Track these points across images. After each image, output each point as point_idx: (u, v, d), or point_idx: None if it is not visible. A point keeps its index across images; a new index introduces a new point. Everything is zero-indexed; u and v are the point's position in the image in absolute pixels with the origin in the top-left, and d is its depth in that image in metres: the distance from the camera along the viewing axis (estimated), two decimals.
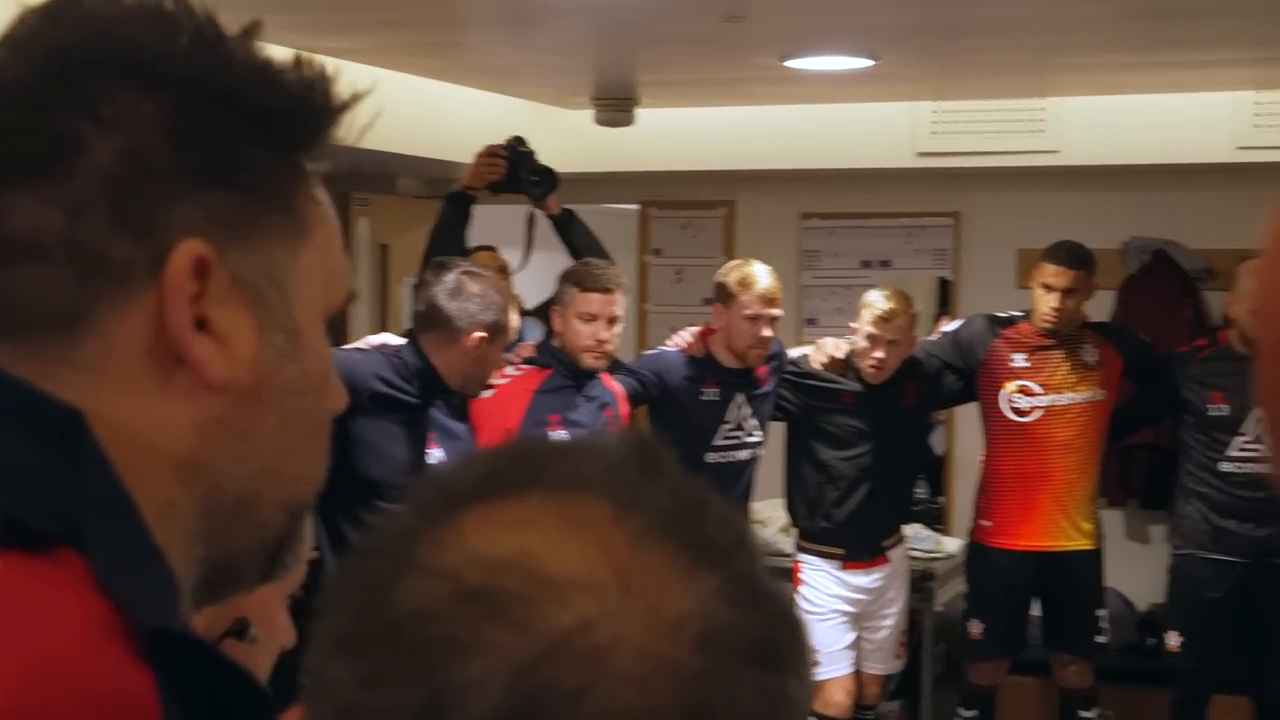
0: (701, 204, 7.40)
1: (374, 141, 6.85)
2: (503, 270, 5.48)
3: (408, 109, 6.22)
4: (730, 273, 5.10)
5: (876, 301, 5.16)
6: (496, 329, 4.03)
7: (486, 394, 4.49)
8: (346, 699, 0.61)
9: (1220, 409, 5.26)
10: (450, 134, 6.50)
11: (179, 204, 0.81)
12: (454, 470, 0.67)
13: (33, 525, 0.74)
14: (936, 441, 7.07)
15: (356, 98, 0.89)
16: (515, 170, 4.96)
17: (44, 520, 0.74)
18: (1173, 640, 5.44)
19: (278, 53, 0.88)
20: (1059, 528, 5.36)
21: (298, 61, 0.87)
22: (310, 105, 0.87)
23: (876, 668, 5.51)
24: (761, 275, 5.03)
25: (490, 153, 4.97)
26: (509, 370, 4.65)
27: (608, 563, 0.61)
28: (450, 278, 4.06)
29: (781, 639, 0.64)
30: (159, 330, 0.81)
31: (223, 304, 0.83)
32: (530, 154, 5.04)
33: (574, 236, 5.09)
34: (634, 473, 0.65)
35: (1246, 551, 5.24)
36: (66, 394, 0.79)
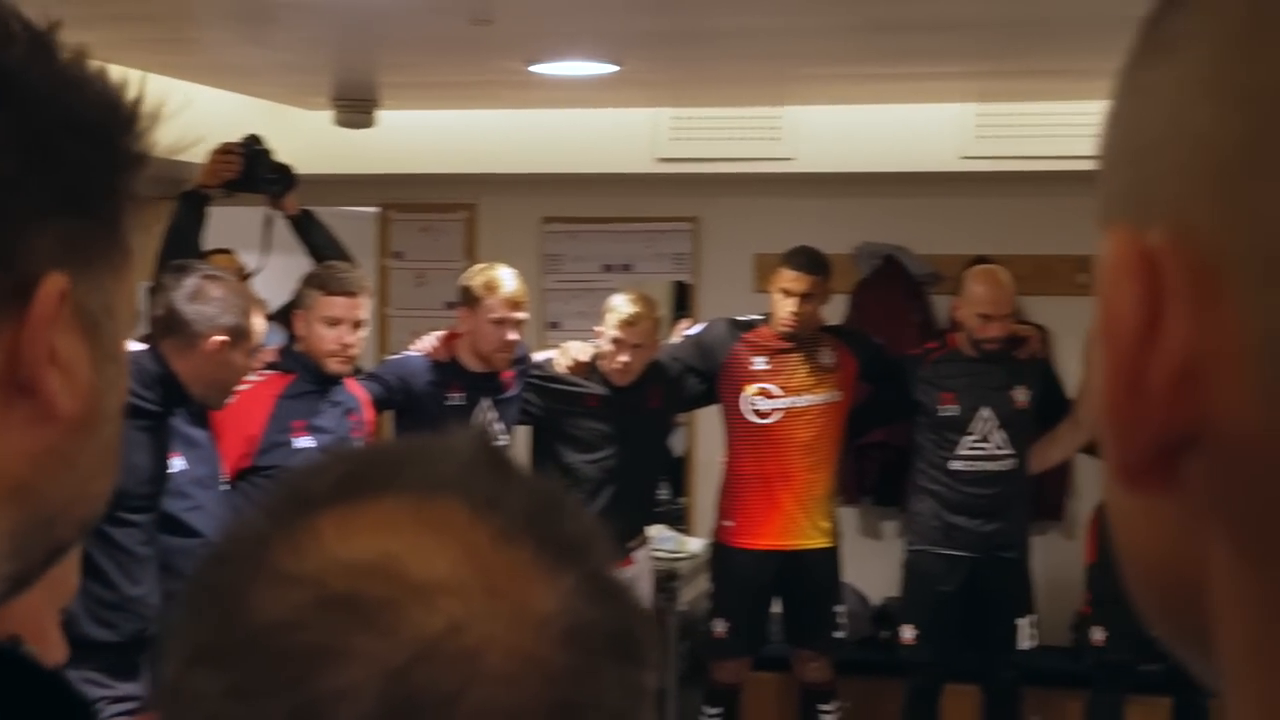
0: (443, 207, 7.35)
1: None
2: (241, 275, 5.35)
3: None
4: (475, 276, 5.08)
5: (621, 305, 5.21)
6: (238, 333, 3.93)
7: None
8: (212, 711, 0.60)
9: (950, 409, 5.46)
10: (186, 134, 6.31)
11: (37, 231, 0.78)
12: (305, 474, 0.66)
13: None
14: (677, 443, 7.16)
15: (163, 116, 0.86)
16: (251, 168, 4.84)
17: None
18: (907, 633, 5.63)
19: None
20: (799, 527, 5.50)
21: (103, 70, 0.83)
22: (137, 124, 0.84)
23: None
24: (507, 279, 5.03)
25: (225, 150, 4.84)
26: (251, 376, 4.54)
27: (471, 564, 0.61)
28: (189, 281, 3.95)
29: (638, 633, 0.65)
30: (11, 361, 0.78)
31: (66, 335, 0.80)
32: (267, 152, 4.93)
33: (314, 238, 5.00)
34: (487, 473, 0.66)
35: (976, 546, 5.45)
36: None
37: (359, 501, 0.63)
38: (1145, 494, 0.47)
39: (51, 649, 1.65)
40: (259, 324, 4.05)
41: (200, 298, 3.92)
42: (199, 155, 6.45)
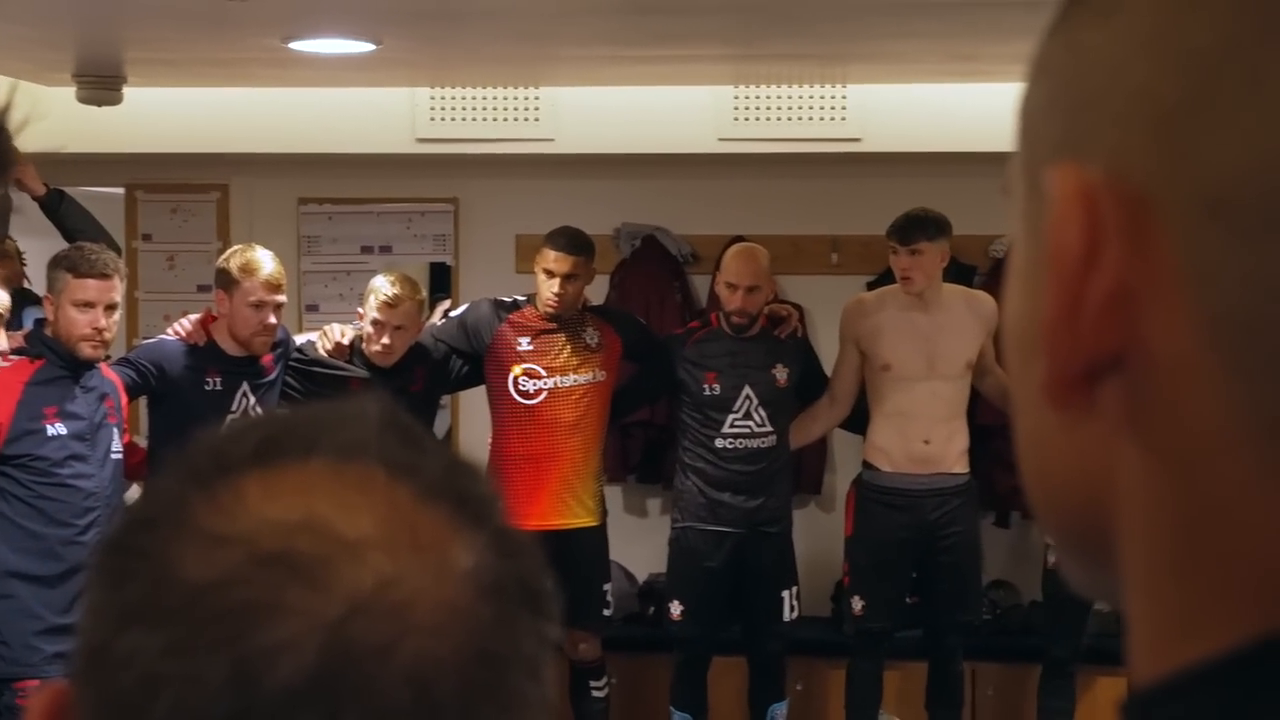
0: (193, 187, 7.15)
1: None
2: (4, 254, 5.14)
3: None
4: (232, 258, 4.97)
5: (383, 287, 5.15)
6: None
7: None
8: (148, 669, 0.60)
9: (713, 388, 5.54)
10: None
11: None
12: (222, 439, 0.67)
13: None
14: (440, 425, 7.11)
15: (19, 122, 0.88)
16: None
17: None
18: (675, 609, 5.70)
19: None
20: (566, 506, 5.51)
21: None
22: (7, 138, 0.86)
23: None
24: (265, 261, 4.93)
25: None
26: None
27: (395, 522, 0.63)
28: None
29: (543, 587, 0.68)
30: None
31: None
32: None
33: (67, 220, 4.81)
34: (399, 439, 0.68)
35: (740, 522, 5.54)
36: None
37: (280, 464, 0.65)
38: (1066, 411, 0.51)
39: None
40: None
41: None
42: None
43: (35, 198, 4.78)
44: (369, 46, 5.41)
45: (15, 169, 4.44)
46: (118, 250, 4.83)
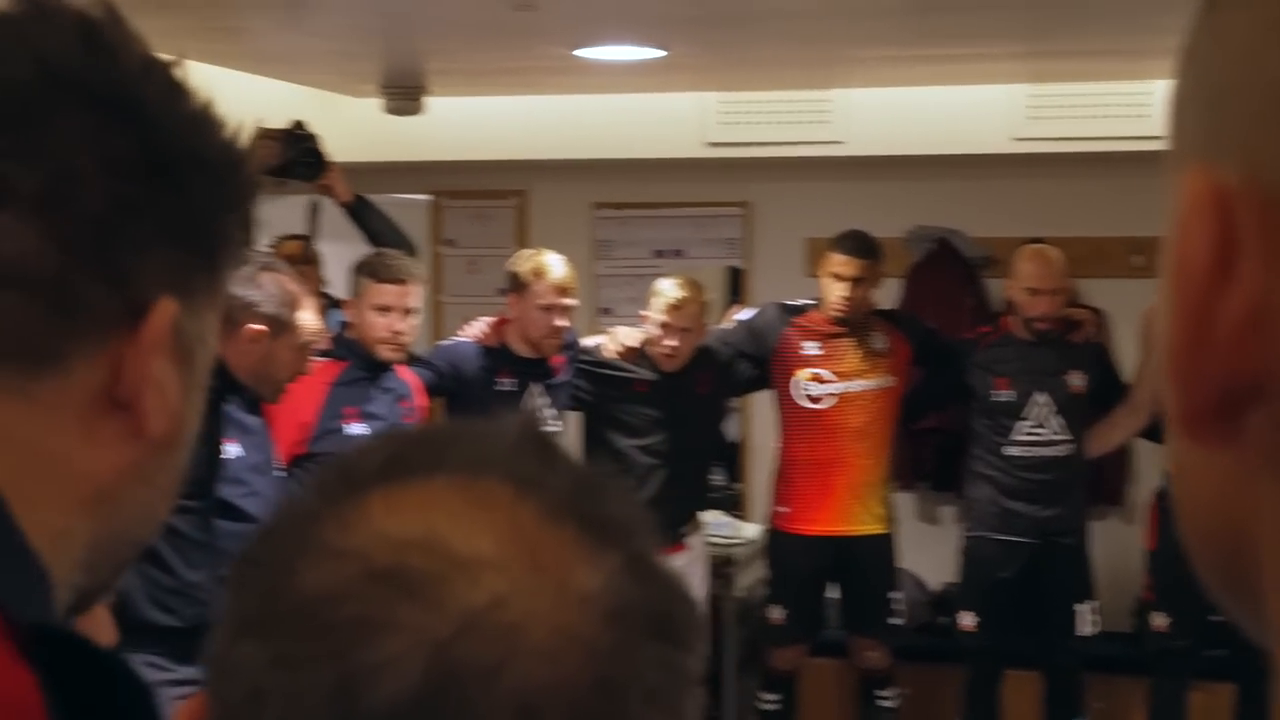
0: (494, 194, 7.35)
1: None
2: (309, 259, 5.36)
3: None
4: (524, 262, 5.07)
5: (668, 290, 5.19)
6: (276, 323, 3.88)
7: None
8: (256, 681, 0.60)
9: (1004, 395, 5.40)
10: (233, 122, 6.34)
11: (152, 257, 0.83)
12: (356, 454, 0.67)
13: None
14: (731, 428, 7.14)
15: (263, 158, 0.92)
16: (286, 154, 4.81)
17: None
18: (966, 620, 5.57)
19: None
20: (853, 513, 5.45)
21: (222, 117, 0.89)
22: (247, 167, 0.89)
23: None
24: (555, 265, 5.02)
25: (263, 135, 4.80)
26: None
27: (515, 541, 0.62)
28: (246, 270, 3.95)
29: (680, 615, 0.66)
30: (113, 377, 0.82)
31: (166, 359, 0.84)
32: (306, 137, 4.88)
33: (370, 224, 4.98)
34: (532, 456, 0.66)
35: (1033, 532, 5.39)
36: (3, 419, 0.80)
37: (406, 481, 0.64)
38: (1206, 445, 0.47)
39: (100, 630, 1.66)
40: (308, 319, 3.99)
41: (249, 284, 3.90)
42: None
43: (340, 203, 4.96)
44: (657, 53, 5.45)
45: (326, 176, 4.61)
46: (413, 253, 4.97)
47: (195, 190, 0.85)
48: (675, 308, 5.16)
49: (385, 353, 4.65)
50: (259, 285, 3.89)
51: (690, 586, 0.69)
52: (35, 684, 0.71)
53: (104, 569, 0.88)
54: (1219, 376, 0.45)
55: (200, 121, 0.86)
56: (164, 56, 0.87)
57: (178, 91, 0.86)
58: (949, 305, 6.54)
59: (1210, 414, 0.45)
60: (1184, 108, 0.48)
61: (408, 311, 4.67)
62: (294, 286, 3.97)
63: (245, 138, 0.89)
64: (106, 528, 0.86)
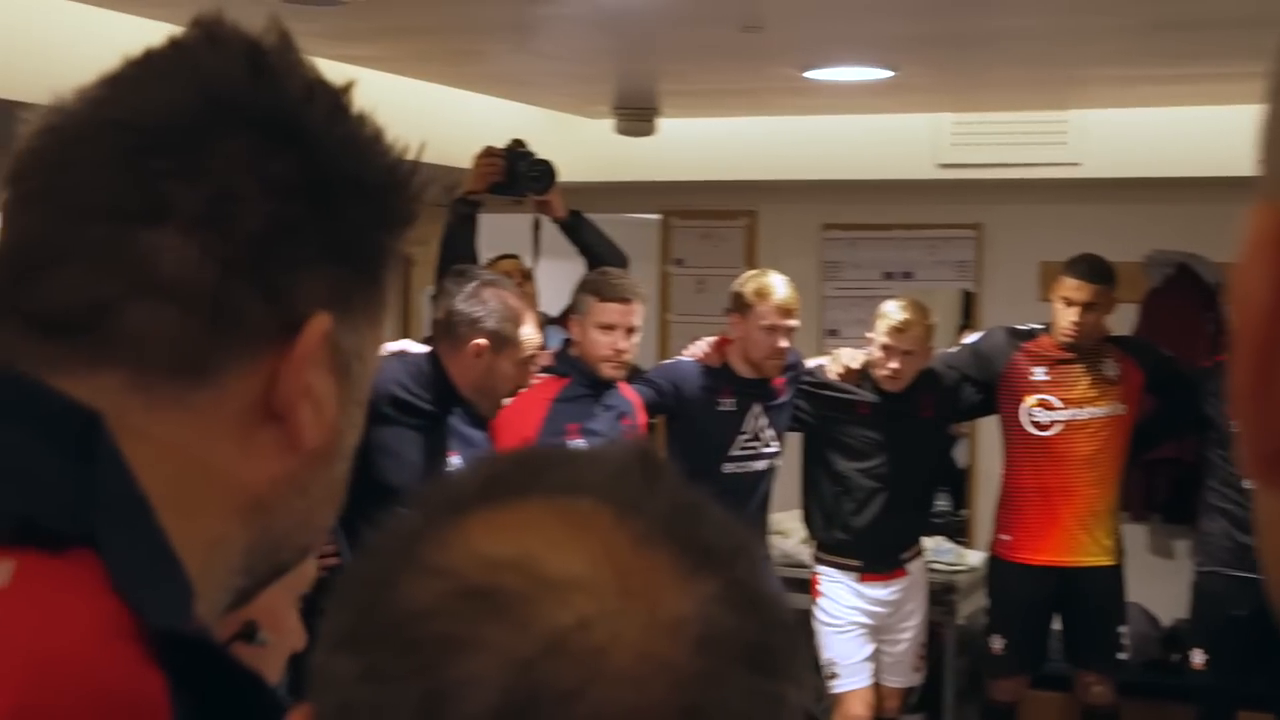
0: (723, 214, 7.38)
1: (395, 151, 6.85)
2: (526, 276, 5.45)
3: (429, 117, 6.21)
4: (747, 283, 5.08)
5: (892, 312, 5.14)
6: (499, 338, 3.95)
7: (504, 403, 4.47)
8: (346, 695, 0.61)
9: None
10: (472, 143, 6.49)
11: (310, 274, 0.86)
12: (459, 475, 0.68)
13: (48, 526, 0.75)
14: (960, 454, 7.04)
15: (428, 178, 0.93)
16: (513, 169, 4.89)
17: (60, 521, 0.76)
18: (1197, 658, 5.39)
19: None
20: (1079, 543, 5.32)
21: (387, 134, 0.92)
22: (411, 187, 0.92)
23: (895, 680, 5.48)
24: (778, 286, 5.01)
25: (488, 153, 4.90)
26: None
27: (608, 564, 0.62)
28: (468, 286, 4.04)
29: (778, 645, 0.64)
30: (268, 389, 0.86)
31: (322, 373, 0.88)
32: (528, 153, 4.96)
33: (585, 238, 5.03)
34: (635, 479, 0.66)
35: None
36: (159, 430, 0.83)
37: (506, 502, 0.65)
38: (1273, 491, 0.45)
39: (290, 635, 1.72)
40: (530, 334, 4.05)
41: (472, 301, 3.99)
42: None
43: (556, 219, 5.03)
44: (886, 73, 5.42)
45: (551, 190, 4.68)
46: (626, 267, 5.01)
47: (353, 211, 0.88)
48: (899, 330, 5.11)
49: (607, 370, 4.70)
50: (482, 301, 3.97)
51: (784, 610, 0.68)
52: (164, 687, 0.73)
53: (261, 572, 0.91)
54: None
55: (361, 144, 0.89)
56: (333, 82, 0.90)
57: (340, 115, 0.89)
58: (1187, 332, 6.34)
59: (1274, 459, 0.44)
60: (1267, 147, 0.48)
61: (631, 330, 4.71)
62: (516, 302, 4.03)
63: (410, 160, 0.92)
64: (262, 535, 0.89)
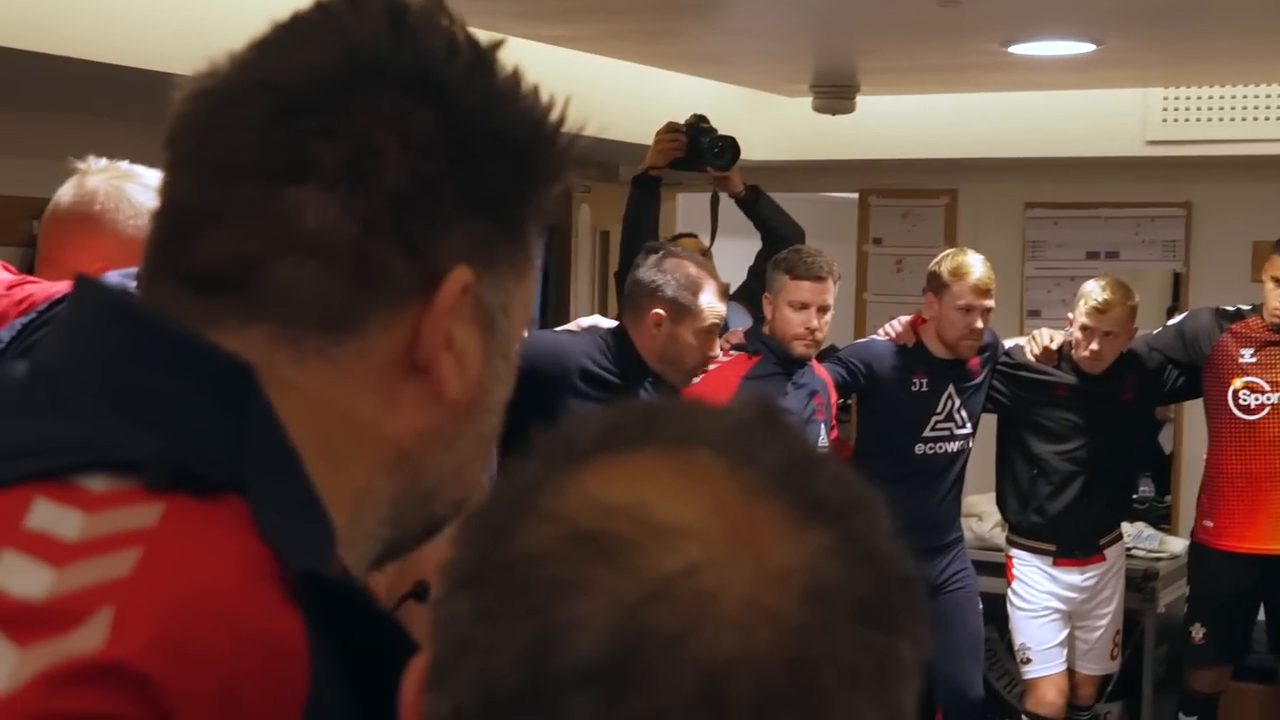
0: (922, 193, 7.30)
1: (594, 129, 6.88)
2: (703, 254, 5.45)
3: (628, 96, 6.26)
4: (943, 262, 5.02)
5: (1093, 292, 5.03)
6: (677, 306, 3.93)
7: (694, 380, 4.49)
8: (462, 633, 0.63)
9: None
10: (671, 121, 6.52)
11: (451, 229, 0.87)
12: (577, 425, 0.69)
13: (200, 471, 0.79)
14: (1164, 439, 6.86)
15: (579, 135, 0.94)
16: (695, 144, 4.86)
17: (211, 467, 0.79)
18: None
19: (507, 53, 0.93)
20: None
21: (534, 90, 0.92)
22: (557, 142, 0.92)
23: (1091, 668, 5.38)
24: (975, 265, 4.94)
25: (670, 129, 4.86)
26: (719, 356, 4.64)
27: (719, 513, 0.62)
28: (652, 258, 4.06)
29: (892, 601, 0.64)
30: (411, 342, 0.87)
31: (464, 326, 0.89)
32: (709, 127, 4.92)
33: (763, 213, 4.97)
34: (753, 432, 0.67)
35: None
36: (308, 382, 0.86)
37: (623, 451, 0.65)
38: None
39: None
40: (711, 302, 4.03)
41: (652, 270, 4.01)
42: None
43: (734, 195, 4.98)
44: (1090, 47, 5.30)
45: (733, 166, 4.63)
46: (803, 241, 4.94)
47: (494, 165, 0.89)
48: (1099, 310, 5.00)
49: (799, 349, 4.69)
50: (662, 270, 3.99)
51: (902, 567, 0.66)
52: (302, 626, 0.76)
53: (411, 524, 0.93)
54: None
55: (503, 100, 0.90)
56: (480, 40, 0.92)
57: (482, 72, 0.89)
58: None
59: None
60: None
61: (823, 308, 4.69)
62: (697, 271, 4.01)
63: (557, 116, 0.92)
64: (409, 487, 0.91)
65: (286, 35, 0.88)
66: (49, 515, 0.76)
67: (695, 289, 3.97)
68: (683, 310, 3.95)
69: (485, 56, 0.90)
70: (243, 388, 0.82)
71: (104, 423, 0.81)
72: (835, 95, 6.41)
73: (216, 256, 0.85)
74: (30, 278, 2.53)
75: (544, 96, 0.92)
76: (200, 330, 0.84)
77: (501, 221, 0.90)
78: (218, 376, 0.82)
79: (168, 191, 0.89)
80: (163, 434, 0.80)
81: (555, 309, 6.86)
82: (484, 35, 0.93)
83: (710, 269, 4.10)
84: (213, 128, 0.87)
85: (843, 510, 0.65)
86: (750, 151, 7.03)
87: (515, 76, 0.91)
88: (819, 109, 6.47)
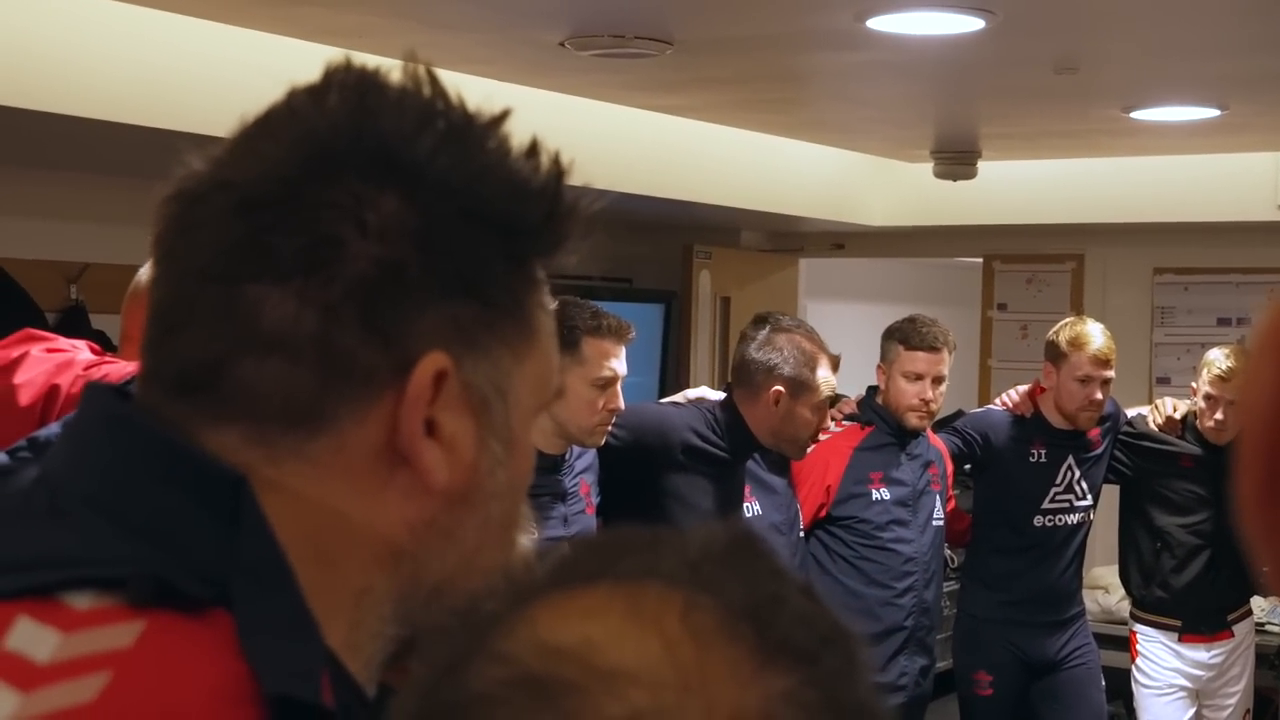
0: (1048, 258, 7.21)
1: (717, 196, 6.94)
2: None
3: (750, 164, 6.28)
4: (1062, 331, 4.93)
5: (1217, 360, 4.92)
6: (796, 384, 3.93)
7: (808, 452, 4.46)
8: None
9: None
10: (792, 188, 6.54)
11: (424, 314, 0.84)
12: (534, 560, 0.67)
13: (184, 587, 0.77)
14: None
15: (588, 201, 0.89)
16: None
17: (195, 583, 0.77)
18: None
19: (529, 127, 0.89)
20: None
21: (533, 150, 0.87)
22: (555, 215, 0.88)
23: None
24: (1095, 335, 4.85)
25: None
26: (830, 427, 4.60)
27: (667, 657, 0.59)
28: (762, 333, 4.05)
29: None
30: (390, 433, 0.84)
31: (451, 411, 0.85)
32: None
33: None
34: (716, 566, 0.63)
35: None
36: (290, 481, 0.83)
37: (575, 588, 0.63)
38: None
39: None
40: (827, 377, 4.02)
41: (766, 348, 3.99)
42: (808, 210, 6.63)
43: None
44: (1214, 112, 5.21)
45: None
46: None
47: (473, 244, 0.85)
48: (1222, 379, 4.88)
49: (913, 420, 4.63)
50: (777, 348, 3.97)
51: (875, 713, 0.63)
52: None
53: (422, 620, 0.89)
54: None
55: (482, 173, 0.86)
56: (470, 109, 0.87)
57: (458, 145, 0.85)
58: None
59: None
60: None
61: (938, 379, 4.63)
62: (811, 345, 4.00)
63: (553, 183, 0.87)
64: (411, 583, 0.87)
65: (251, 130, 0.87)
66: (27, 635, 0.75)
67: (813, 365, 3.95)
68: (801, 387, 3.93)
69: (466, 128, 0.86)
70: (234, 498, 0.80)
71: (97, 536, 0.80)
72: (956, 161, 6.38)
73: (188, 358, 0.84)
74: (110, 358, 2.57)
75: (546, 162, 0.87)
76: (185, 435, 0.83)
77: (489, 301, 0.86)
78: (209, 487, 0.81)
79: (153, 292, 0.88)
80: (154, 547, 0.78)
81: (674, 376, 6.87)
82: (495, 104, 0.88)
83: (820, 342, 4.08)
84: (184, 228, 0.86)
85: (809, 652, 0.61)
86: (872, 217, 7.04)
87: (503, 145, 0.87)
88: (939, 175, 6.44)
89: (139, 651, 0.75)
